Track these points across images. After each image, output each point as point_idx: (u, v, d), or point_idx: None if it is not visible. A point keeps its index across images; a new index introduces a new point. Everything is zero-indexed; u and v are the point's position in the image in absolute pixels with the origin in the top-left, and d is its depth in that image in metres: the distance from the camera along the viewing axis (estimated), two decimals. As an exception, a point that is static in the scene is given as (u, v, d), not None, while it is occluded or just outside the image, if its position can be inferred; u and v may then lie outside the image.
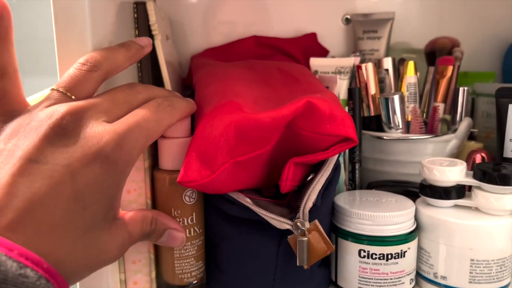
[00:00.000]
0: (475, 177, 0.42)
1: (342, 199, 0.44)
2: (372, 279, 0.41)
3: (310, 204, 0.39)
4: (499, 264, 0.41)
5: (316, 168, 0.41)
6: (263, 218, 0.39)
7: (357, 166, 0.50)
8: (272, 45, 0.66)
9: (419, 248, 0.44)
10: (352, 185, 0.51)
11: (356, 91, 0.49)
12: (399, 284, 0.42)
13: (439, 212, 0.42)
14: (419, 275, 0.44)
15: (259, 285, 0.42)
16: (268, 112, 0.38)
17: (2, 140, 0.29)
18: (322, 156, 0.39)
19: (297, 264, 0.39)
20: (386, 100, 0.52)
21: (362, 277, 0.42)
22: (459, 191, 0.43)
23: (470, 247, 0.40)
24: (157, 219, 0.37)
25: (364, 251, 0.41)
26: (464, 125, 0.51)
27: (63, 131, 0.28)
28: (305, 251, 0.39)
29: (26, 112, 0.30)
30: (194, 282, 0.41)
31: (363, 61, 0.63)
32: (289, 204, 0.40)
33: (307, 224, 0.39)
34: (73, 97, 0.31)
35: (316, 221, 0.39)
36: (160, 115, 0.33)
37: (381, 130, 0.54)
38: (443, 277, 0.42)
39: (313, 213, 0.39)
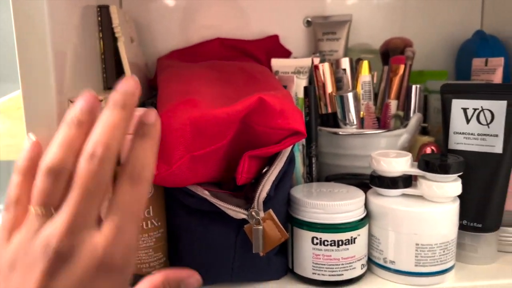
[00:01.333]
0: (419, 167, 0.45)
1: (298, 191, 0.47)
2: (324, 265, 0.44)
3: (264, 194, 0.41)
4: (442, 248, 0.44)
5: (271, 161, 0.43)
6: (220, 208, 0.41)
7: (313, 160, 0.53)
8: (236, 46, 0.68)
9: (370, 235, 0.47)
10: (310, 178, 0.53)
11: (311, 89, 0.52)
12: (350, 269, 0.44)
13: (388, 201, 0.45)
14: (371, 261, 0.47)
15: (219, 274, 0.44)
16: (223, 108, 0.40)
17: (2, 279, 0.28)
18: (274, 149, 0.41)
19: (253, 251, 0.41)
20: (341, 97, 0.55)
21: (315, 263, 0.44)
22: (406, 181, 0.46)
23: (415, 232, 0.43)
24: (167, 280, 0.34)
25: (317, 238, 0.44)
26: (414, 120, 0.55)
27: (61, 259, 0.27)
28: (260, 239, 0.41)
29: (18, 238, 0.29)
30: (153, 273, 0.43)
31: (323, 61, 0.66)
32: (246, 195, 0.43)
33: (261, 214, 0.41)
34: (52, 209, 0.29)
35: (271, 211, 0.42)
36: (136, 190, 0.29)
37: (338, 126, 0.56)
38: (392, 262, 0.45)
39: (268, 203, 0.42)
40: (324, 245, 0.44)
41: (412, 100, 0.59)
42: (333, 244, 0.44)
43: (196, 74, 0.51)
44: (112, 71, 0.54)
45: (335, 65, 0.62)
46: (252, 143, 0.42)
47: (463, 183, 0.47)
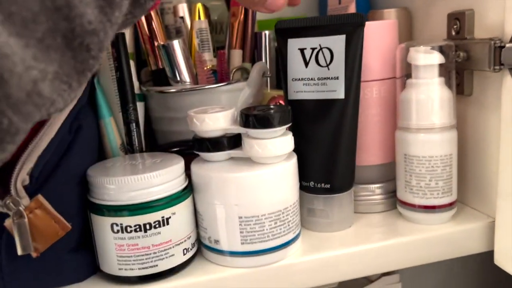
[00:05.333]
0: (240, 123, 0.36)
1: (97, 167, 0.37)
2: (131, 256, 0.35)
3: (24, 176, 0.31)
4: (274, 219, 0.36)
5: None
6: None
7: (132, 127, 0.43)
8: None
9: (197, 212, 0.38)
10: (131, 150, 0.43)
11: (119, 37, 0.41)
12: (167, 257, 0.35)
13: (209, 168, 0.37)
14: (202, 243, 0.39)
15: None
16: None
17: None
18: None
19: (18, 253, 0.31)
20: (165, 48, 0.45)
21: (120, 256, 0.35)
22: (231, 141, 0.37)
23: (236, 203, 0.35)
24: None
25: (117, 225, 0.34)
26: (255, 71, 0.46)
27: None
28: (26, 236, 0.31)
29: None
30: None
31: (162, 10, 0.55)
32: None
33: (24, 202, 0.31)
34: None
35: (40, 197, 0.32)
36: None
37: (170, 85, 0.47)
38: (217, 241, 0.36)
39: (41, 187, 0.32)
40: (127, 232, 0.34)
41: (262, 50, 0.51)
42: (138, 230, 0.34)
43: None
44: None
45: (173, 13, 0.52)
46: None
47: (306, 138, 0.39)
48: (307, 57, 0.40)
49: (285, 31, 0.41)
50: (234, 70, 0.49)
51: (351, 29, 0.38)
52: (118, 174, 0.34)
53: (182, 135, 0.46)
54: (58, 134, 0.32)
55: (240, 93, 0.46)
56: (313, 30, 0.40)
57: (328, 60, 0.39)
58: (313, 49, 0.40)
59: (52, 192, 0.32)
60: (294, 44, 0.40)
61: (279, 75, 0.43)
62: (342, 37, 0.39)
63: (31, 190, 0.31)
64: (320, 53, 0.39)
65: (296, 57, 0.40)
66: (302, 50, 0.40)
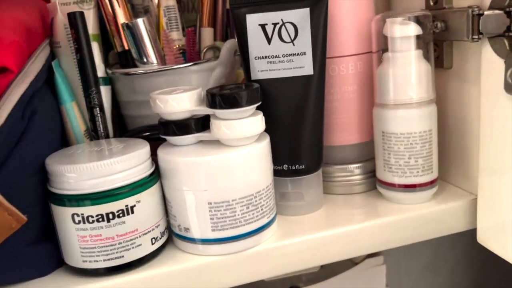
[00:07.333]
0: (207, 104, 0.34)
1: (56, 156, 0.34)
2: (95, 248, 0.33)
3: (-29, 166, 0.29)
4: (245, 203, 0.34)
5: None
6: None
7: (96, 112, 0.40)
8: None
9: (166, 200, 0.36)
10: (96, 136, 0.41)
11: (77, 17, 0.39)
12: (134, 247, 0.33)
13: (176, 152, 0.35)
14: (172, 232, 0.37)
15: None
16: None
17: None
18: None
19: (-31, 249, 0.29)
20: (129, 28, 0.42)
21: (83, 248, 0.33)
22: (199, 124, 0.35)
23: (204, 188, 0.33)
24: None
25: (78, 215, 0.32)
26: (225, 49, 0.44)
27: None
28: (-23, 230, 0.29)
29: None
30: None
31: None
32: None
33: (-27, 194, 0.29)
34: None
35: (-10, 188, 0.29)
36: None
37: (136, 67, 0.44)
38: (187, 229, 0.35)
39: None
40: (89, 222, 0.32)
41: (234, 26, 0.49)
42: (100, 220, 0.32)
43: None
44: None
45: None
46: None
47: (273, 119, 0.37)
48: (269, 34, 0.38)
49: (243, 5, 0.38)
50: (205, 49, 0.46)
51: (315, 2, 0.36)
52: (78, 161, 0.32)
53: (151, 120, 0.44)
54: (8, 120, 0.30)
55: (208, 73, 0.44)
56: (273, 4, 0.37)
57: (293, 35, 0.37)
58: (275, 24, 0.37)
59: (5, 183, 0.30)
60: (254, 20, 0.38)
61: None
62: (306, 11, 0.36)
63: (-18, 182, 0.29)
64: (283, 28, 0.37)
65: (257, 34, 0.38)
66: (263, 26, 0.38)
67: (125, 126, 0.48)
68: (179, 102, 0.34)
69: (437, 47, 0.40)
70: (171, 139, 0.35)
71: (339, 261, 0.39)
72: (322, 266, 0.55)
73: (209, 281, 0.35)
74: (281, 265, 0.37)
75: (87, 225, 0.32)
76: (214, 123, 0.34)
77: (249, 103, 0.33)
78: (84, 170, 0.32)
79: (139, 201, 0.33)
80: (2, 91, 0.30)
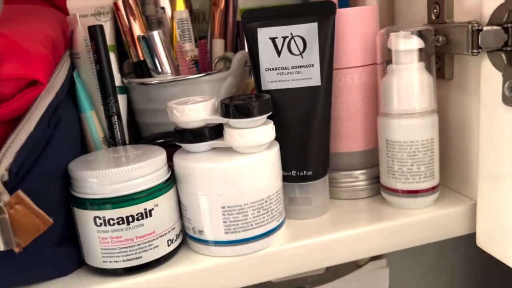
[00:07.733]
0: (220, 113, 0.36)
1: (78, 161, 0.36)
2: (115, 249, 0.35)
3: (2, 172, 0.31)
4: (257, 207, 0.36)
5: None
6: None
7: (114, 120, 0.43)
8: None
9: (181, 203, 0.38)
10: (114, 143, 0.43)
11: (96, 30, 0.41)
12: (151, 248, 0.36)
13: (191, 159, 0.37)
14: (186, 234, 0.39)
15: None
16: None
17: None
18: (5, 108, 0.31)
19: (0, 248, 0.31)
20: (145, 39, 0.44)
21: (104, 249, 0.35)
22: (213, 132, 0.37)
23: (218, 193, 0.35)
24: None
25: (100, 218, 0.34)
26: (236, 60, 0.46)
27: None
28: (8, 232, 0.31)
29: None
30: None
31: (142, 1, 0.55)
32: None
33: (4, 198, 0.31)
34: None
35: (20, 192, 0.31)
36: None
37: (152, 77, 0.47)
38: (200, 231, 0.37)
39: (15, 183, 0.32)
40: (110, 224, 0.34)
41: (245, 39, 0.51)
42: (121, 222, 0.34)
43: None
44: None
45: (154, 3, 0.52)
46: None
47: (283, 128, 0.39)
48: (279, 46, 0.40)
49: (255, 19, 0.40)
50: (216, 60, 0.48)
51: (323, 17, 0.38)
52: (99, 167, 0.34)
53: (166, 127, 0.46)
54: (36, 129, 0.32)
55: (220, 83, 0.46)
56: (283, 19, 0.39)
57: (301, 48, 0.39)
58: (284, 37, 0.39)
59: (32, 187, 0.32)
60: (264, 33, 0.40)
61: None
62: (315, 25, 0.39)
63: (11, 186, 0.31)
64: (292, 41, 0.39)
65: (267, 47, 0.40)
66: (273, 39, 0.40)
67: (139, 133, 0.50)
68: (195, 112, 0.36)
69: (439, 59, 0.42)
70: (186, 146, 0.38)
71: (344, 264, 0.41)
72: (327, 268, 0.57)
73: (220, 281, 0.37)
74: (289, 267, 0.39)
75: (108, 227, 0.34)
76: (227, 131, 0.36)
77: (261, 113, 0.35)
78: (105, 176, 0.34)
79: (156, 205, 0.35)
80: (32, 102, 0.32)
